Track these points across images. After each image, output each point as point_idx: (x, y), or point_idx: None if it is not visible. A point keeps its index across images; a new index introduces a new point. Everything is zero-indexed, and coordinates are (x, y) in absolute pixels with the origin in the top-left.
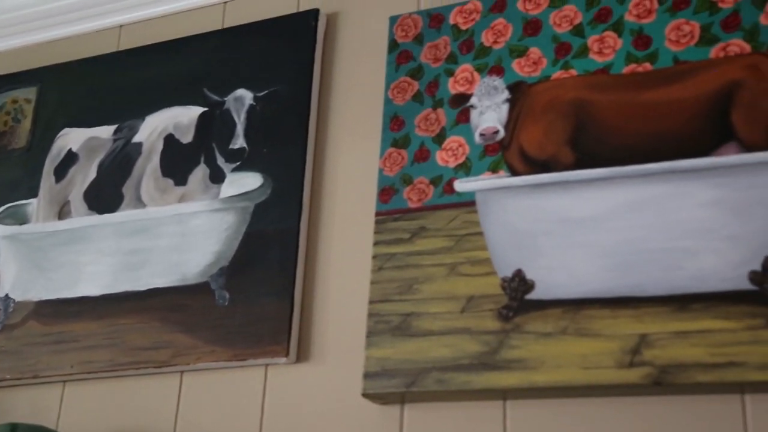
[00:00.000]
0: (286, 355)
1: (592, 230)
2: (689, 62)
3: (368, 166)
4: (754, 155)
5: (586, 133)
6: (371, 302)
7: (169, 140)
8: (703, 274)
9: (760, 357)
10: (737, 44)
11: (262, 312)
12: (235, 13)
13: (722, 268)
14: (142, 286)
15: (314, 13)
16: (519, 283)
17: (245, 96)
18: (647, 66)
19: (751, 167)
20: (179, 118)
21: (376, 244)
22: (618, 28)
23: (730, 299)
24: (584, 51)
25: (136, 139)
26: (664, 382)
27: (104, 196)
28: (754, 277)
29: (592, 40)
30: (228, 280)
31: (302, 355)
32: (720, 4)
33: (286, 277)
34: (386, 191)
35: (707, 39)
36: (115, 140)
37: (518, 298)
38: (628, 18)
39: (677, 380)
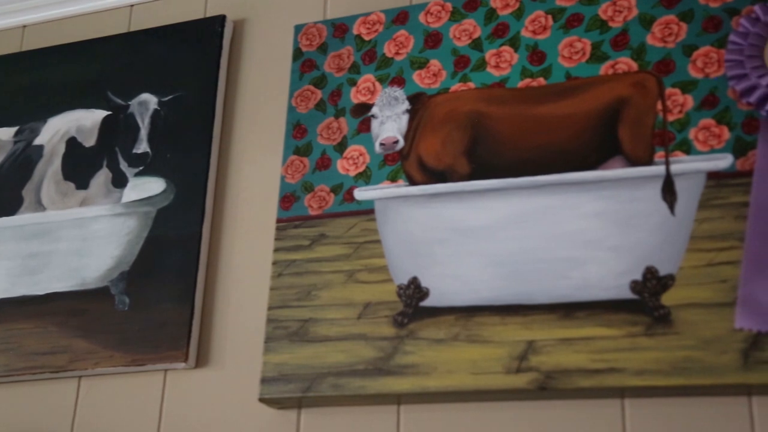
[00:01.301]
0: (185, 360)
1: (485, 239)
2: (580, 78)
3: (271, 173)
4: (637, 169)
5: (482, 144)
6: (270, 308)
7: (72, 143)
8: (587, 283)
9: (639, 363)
10: (625, 62)
11: (162, 317)
12: (141, 16)
13: (605, 278)
14: (40, 290)
15: (221, 20)
16: (414, 291)
17: (150, 100)
18: (541, 81)
19: (634, 181)
20: (82, 121)
21: (276, 250)
22: (514, 43)
23: (612, 307)
24: (482, 65)
25: (38, 141)
26: (548, 387)
27: (3, 199)
28: (634, 286)
29: (489, 55)
30: (128, 285)
31: (201, 361)
32: (610, 23)
33: (186, 282)
34: (287, 198)
35: (597, 56)
36: (15, 142)
37: (413, 305)
38: (524, 34)
39: (561, 385)
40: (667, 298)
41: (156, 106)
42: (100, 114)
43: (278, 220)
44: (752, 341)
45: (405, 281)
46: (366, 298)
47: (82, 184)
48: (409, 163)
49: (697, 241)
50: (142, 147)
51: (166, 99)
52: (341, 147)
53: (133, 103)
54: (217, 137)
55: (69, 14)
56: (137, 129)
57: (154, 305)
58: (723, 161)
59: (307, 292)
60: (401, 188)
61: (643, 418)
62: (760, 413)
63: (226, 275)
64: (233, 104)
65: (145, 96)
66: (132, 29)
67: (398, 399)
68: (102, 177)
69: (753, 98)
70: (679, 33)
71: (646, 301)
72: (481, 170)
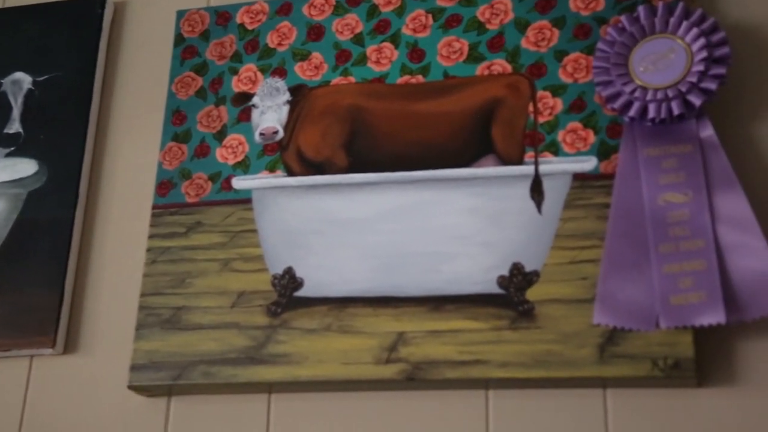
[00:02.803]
0: (53, 346)
1: (361, 232)
2: (457, 77)
3: (148, 159)
4: (507, 168)
5: (360, 138)
6: (143, 295)
7: None
8: (457, 277)
9: (503, 355)
10: (500, 64)
11: (30, 302)
12: None
13: (475, 273)
14: None
15: (101, 1)
16: (288, 281)
17: (24, 80)
18: (420, 78)
19: (505, 179)
20: None
21: (151, 237)
22: (395, 40)
23: (480, 301)
24: (363, 59)
25: None
26: (416, 378)
27: None
28: (502, 281)
29: (370, 50)
30: None
31: (70, 347)
32: (487, 26)
33: (57, 266)
34: (164, 185)
35: (474, 57)
36: None
37: (287, 295)
38: (405, 31)
39: (428, 376)
40: (532, 294)
41: (30, 86)
42: None
43: (154, 207)
44: (608, 336)
45: (280, 271)
46: (240, 287)
47: None
48: (288, 154)
49: (562, 240)
50: (15, 127)
51: (42, 79)
52: (221, 135)
53: (6, 82)
54: (94, 120)
55: None
56: (9, 108)
57: (21, 289)
58: (588, 163)
59: (181, 280)
60: (279, 179)
61: (505, 409)
62: (614, 404)
63: (99, 261)
64: (112, 88)
65: (19, 75)
66: (7, 5)
67: (269, 388)
68: None
69: (617, 104)
70: (552, 38)
71: (512, 296)
72: (359, 164)
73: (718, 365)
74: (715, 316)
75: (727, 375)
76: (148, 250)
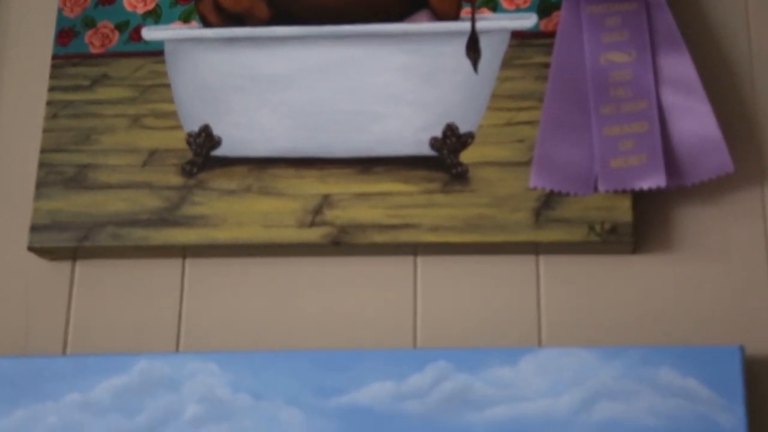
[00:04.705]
0: None
1: (283, 89)
2: None
3: (46, 5)
4: (442, 24)
5: None
6: (43, 151)
7: None
8: (387, 137)
9: (434, 219)
10: None
11: None
12: None
13: (406, 133)
14: None
15: None
16: (205, 139)
17: None
18: None
19: (440, 36)
20: None
21: (51, 89)
22: None
23: (411, 164)
24: None
25: None
26: (342, 242)
27: None
28: (434, 143)
29: None
30: None
31: None
32: None
33: None
34: (65, 33)
35: None
36: None
37: (203, 153)
38: None
39: (355, 240)
40: (466, 156)
41: None
42: None
43: (54, 57)
44: (544, 200)
45: (196, 128)
46: (152, 144)
47: None
48: (204, 4)
49: (498, 100)
50: None
51: None
52: None
53: None
54: None
55: None
56: None
57: None
58: (528, 20)
59: (86, 136)
60: (194, 30)
61: (435, 276)
62: (547, 271)
63: None
64: None
65: None
66: None
67: (184, 252)
68: None
69: None
70: None
71: (445, 158)
72: (282, 16)
73: (654, 231)
74: (655, 180)
75: (664, 241)
76: (49, 103)
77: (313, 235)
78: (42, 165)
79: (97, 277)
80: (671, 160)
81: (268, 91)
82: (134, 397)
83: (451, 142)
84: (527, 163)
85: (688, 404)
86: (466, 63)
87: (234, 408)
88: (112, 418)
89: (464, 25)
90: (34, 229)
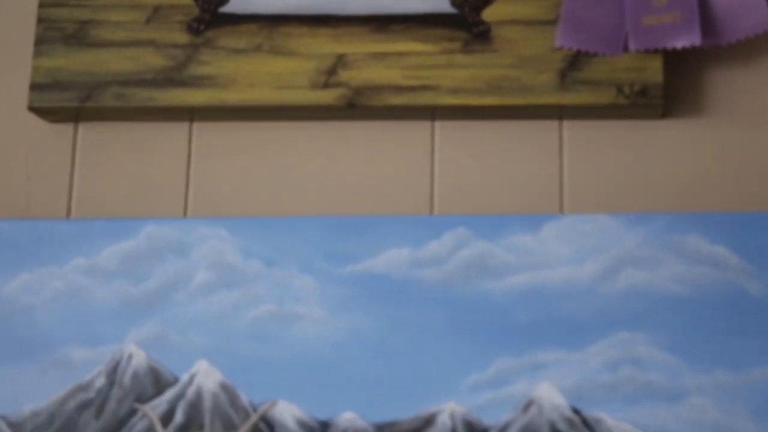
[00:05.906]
0: None
1: None
2: None
3: None
4: None
5: None
6: (42, 6)
7: None
8: None
9: (453, 81)
10: None
11: None
12: None
13: None
14: None
15: None
16: None
17: None
18: None
19: None
20: None
21: None
22: None
23: (430, 22)
24: None
25: None
26: (357, 104)
27: None
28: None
29: None
30: None
31: None
32: None
33: None
34: None
35: None
36: None
37: (210, 10)
38: None
39: (370, 102)
40: (488, 14)
41: None
42: None
43: None
44: (571, 61)
45: None
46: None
47: None
48: None
49: None
50: None
51: None
52: None
53: None
54: None
55: None
56: None
57: None
58: None
59: None
60: None
61: (453, 140)
62: (570, 136)
63: None
64: None
65: None
66: None
67: (191, 114)
68: None
69: None
70: None
71: (466, 16)
72: None
73: (685, 95)
74: (689, 38)
75: (694, 105)
76: None
77: (327, 96)
78: (41, 20)
79: (100, 140)
80: (707, 18)
81: None
82: (142, 262)
83: None
84: (553, 22)
85: (715, 272)
86: None
87: (245, 274)
88: (119, 283)
89: None
90: (34, 87)
